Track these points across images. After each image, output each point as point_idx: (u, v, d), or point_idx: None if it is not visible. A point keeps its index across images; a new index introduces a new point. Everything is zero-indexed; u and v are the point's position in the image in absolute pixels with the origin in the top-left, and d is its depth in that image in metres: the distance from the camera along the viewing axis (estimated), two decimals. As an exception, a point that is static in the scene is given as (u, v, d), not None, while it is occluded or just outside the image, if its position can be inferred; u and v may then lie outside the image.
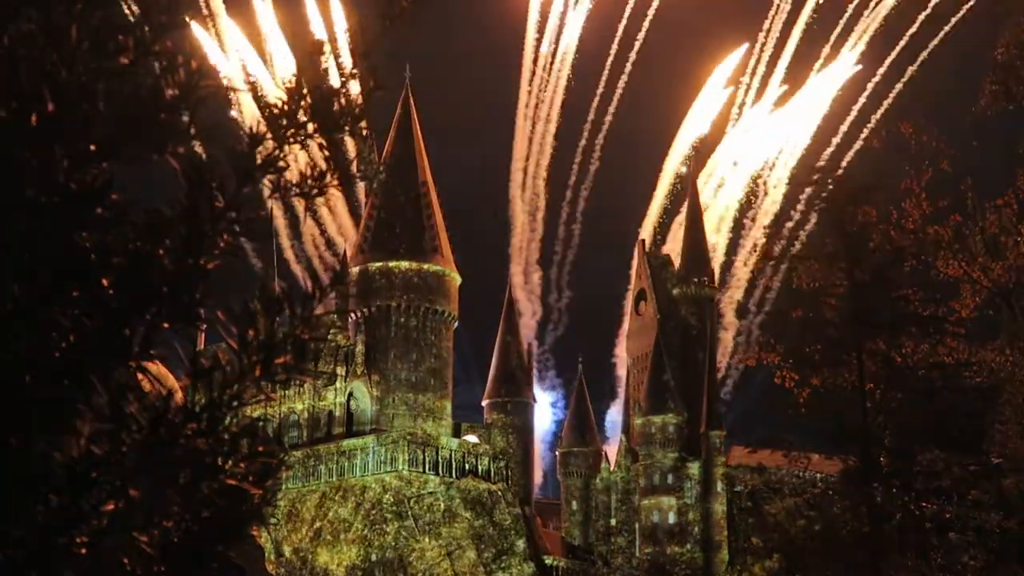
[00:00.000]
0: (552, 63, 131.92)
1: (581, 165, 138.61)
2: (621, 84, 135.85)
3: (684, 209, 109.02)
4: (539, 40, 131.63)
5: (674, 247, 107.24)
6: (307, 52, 3.63)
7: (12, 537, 2.96)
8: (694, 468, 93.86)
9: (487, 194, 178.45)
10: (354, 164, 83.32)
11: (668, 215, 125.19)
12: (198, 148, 3.48)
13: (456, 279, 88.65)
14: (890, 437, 20.01)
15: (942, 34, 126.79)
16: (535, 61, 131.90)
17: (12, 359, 3.05)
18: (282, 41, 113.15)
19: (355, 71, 3.62)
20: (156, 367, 3.36)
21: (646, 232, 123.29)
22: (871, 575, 19.09)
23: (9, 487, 3.00)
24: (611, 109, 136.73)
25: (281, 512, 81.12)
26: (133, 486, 3.09)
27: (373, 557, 78.35)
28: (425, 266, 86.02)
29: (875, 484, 19.72)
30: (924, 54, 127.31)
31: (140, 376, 3.26)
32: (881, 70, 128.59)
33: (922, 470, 19.36)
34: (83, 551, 3.03)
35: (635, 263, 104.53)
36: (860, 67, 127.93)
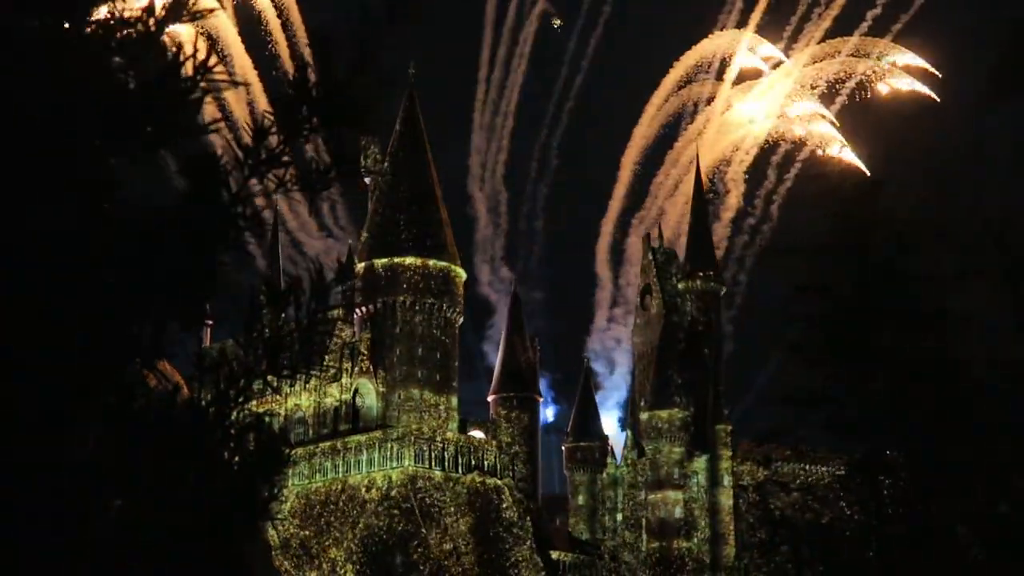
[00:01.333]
0: (510, 60, 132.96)
1: (541, 161, 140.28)
2: (578, 81, 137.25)
3: (675, 203, 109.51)
4: (496, 37, 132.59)
5: (635, 241, 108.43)
6: (312, 47, 3.62)
7: (21, 535, 2.95)
8: (701, 462, 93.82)
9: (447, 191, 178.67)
10: (360, 159, 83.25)
11: (628, 212, 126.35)
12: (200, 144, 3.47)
13: (461, 275, 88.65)
14: (897, 431, 19.98)
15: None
16: (492, 59, 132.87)
17: (20, 357, 3.04)
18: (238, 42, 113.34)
19: (362, 66, 3.61)
20: (163, 364, 3.35)
21: (607, 227, 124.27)
22: (878, 569, 19.07)
23: (17, 486, 2.99)
24: (568, 106, 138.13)
25: (288, 508, 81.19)
26: (141, 482, 3.08)
27: (379, 553, 78.41)
28: (430, 262, 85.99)
29: (882, 478, 19.69)
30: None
31: (146, 373, 3.25)
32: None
33: (929, 464, 19.34)
34: (92, 547, 3.02)
35: (601, 257, 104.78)
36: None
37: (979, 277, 19.51)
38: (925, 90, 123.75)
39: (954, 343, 19.70)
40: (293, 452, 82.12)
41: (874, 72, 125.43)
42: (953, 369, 19.31)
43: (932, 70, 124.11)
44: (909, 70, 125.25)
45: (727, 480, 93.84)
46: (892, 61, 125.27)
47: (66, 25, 3.22)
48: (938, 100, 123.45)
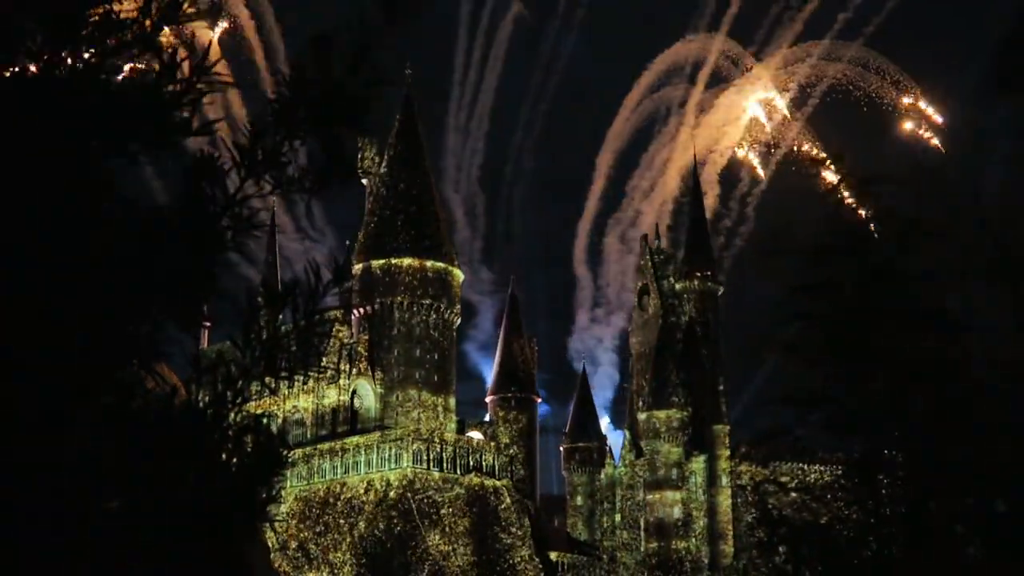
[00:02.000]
0: (484, 62, 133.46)
1: (516, 163, 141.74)
2: (552, 84, 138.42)
3: (652, 204, 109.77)
4: (471, 40, 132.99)
5: (612, 242, 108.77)
6: (309, 46, 3.61)
7: (21, 535, 2.95)
8: (699, 462, 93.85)
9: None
10: (358, 160, 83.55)
11: (605, 213, 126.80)
12: (197, 144, 3.47)
13: (459, 276, 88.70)
14: (897, 430, 19.98)
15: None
16: (467, 62, 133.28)
17: (20, 357, 3.04)
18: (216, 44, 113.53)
19: (359, 65, 3.61)
20: (160, 366, 3.35)
21: (584, 228, 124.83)
22: (877, 569, 19.07)
23: (17, 486, 2.99)
24: (542, 108, 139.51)
25: (286, 509, 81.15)
26: (140, 483, 3.08)
27: (378, 555, 78.39)
28: (428, 263, 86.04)
29: (881, 477, 19.69)
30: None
31: (144, 374, 3.24)
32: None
33: (929, 464, 19.33)
34: (92, 547, 3.02)
35: (579, 257, 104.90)
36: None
37: (979, 277, 19.51)
38: (933, 139, 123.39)
39: (954, 343, 19.69)
40: (291, 454, 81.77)
41: (845, 75, 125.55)
42: (953, 369, 19.30)
43: (937, 118, 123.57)
44: (916, 109, 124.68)
45: (725, 480, 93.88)
46: (905, 100, 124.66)
47: (64, 25, 3.21)
48: (943, 151, 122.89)
